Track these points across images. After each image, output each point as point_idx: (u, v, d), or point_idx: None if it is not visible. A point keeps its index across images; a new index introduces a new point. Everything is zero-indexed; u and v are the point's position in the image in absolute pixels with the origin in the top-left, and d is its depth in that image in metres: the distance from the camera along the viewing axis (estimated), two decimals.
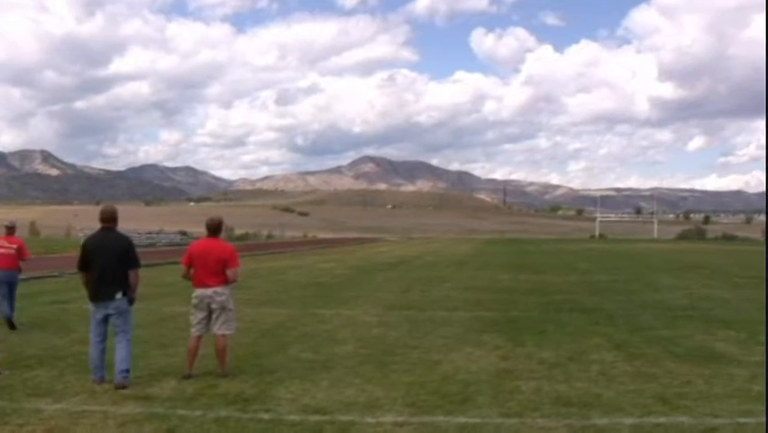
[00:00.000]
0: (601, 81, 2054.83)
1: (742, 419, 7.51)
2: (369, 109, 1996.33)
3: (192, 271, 9.73)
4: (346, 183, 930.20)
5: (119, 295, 9.31)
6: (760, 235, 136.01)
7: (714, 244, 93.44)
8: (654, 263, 40.96)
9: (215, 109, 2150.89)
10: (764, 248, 74.58)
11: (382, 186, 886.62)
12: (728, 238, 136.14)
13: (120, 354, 9.21)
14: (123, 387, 8.87)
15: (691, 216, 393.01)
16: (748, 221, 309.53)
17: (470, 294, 21.29)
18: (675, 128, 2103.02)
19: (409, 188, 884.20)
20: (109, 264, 9.28)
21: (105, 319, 9.39)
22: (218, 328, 9.62)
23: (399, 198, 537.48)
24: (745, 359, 10.90)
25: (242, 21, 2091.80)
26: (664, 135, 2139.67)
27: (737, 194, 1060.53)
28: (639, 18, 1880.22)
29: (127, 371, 9.14)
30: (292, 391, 8.75)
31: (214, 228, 9.89)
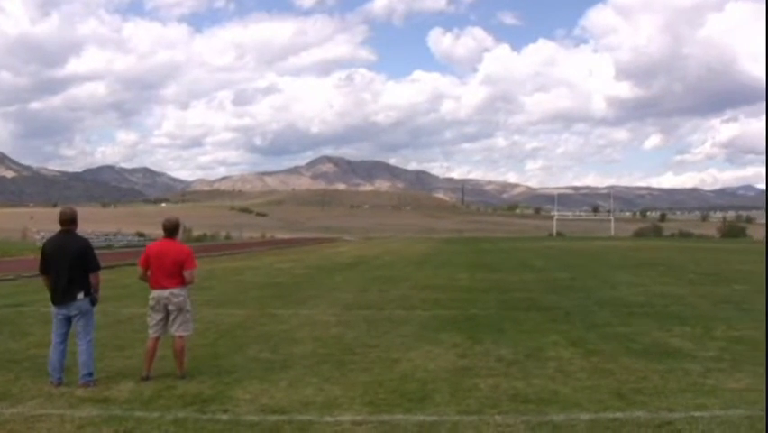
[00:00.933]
0: (559, 80, 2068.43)
1: (696, 413, 7.60)
2: (327, 109, 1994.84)
3: (149, 272, 9.67)
4: (304, 183, 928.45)
5: (80, 295, 9.24)
6: (715, 232, 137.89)
7: (670, 242, 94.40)
8: (611, 261, 41.31)
9: (173, 110, 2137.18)
10: (719, 245, 75.57)
11: (341, 186, 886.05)
12: (684, 235, 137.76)
13: (82, 357, 9.15)
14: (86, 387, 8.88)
15: (648, 213, 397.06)
16: (704, 218, 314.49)
17: (428, 293, 21.32)
18: (632, 127, 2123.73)
19: (368, 188, 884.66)
20: (69, 267, 9.20)
21: (68, 321, 9.31)
22: (176, 330, 9.57)
23: (358, 198, 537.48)
24: (699, 354, 11.03)
25: (199, 21, 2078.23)
26: (621, 134, 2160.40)
27: (693, 192, 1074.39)
28: (596, 18, 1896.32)
29: (90, 374, 9.11)
30: (250, 391, 8.73)
31: (171, 229, 9.83)
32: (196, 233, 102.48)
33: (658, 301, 18.91)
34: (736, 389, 8.74)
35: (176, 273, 9.54)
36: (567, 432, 7.01)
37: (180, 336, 9.58)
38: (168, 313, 9.57)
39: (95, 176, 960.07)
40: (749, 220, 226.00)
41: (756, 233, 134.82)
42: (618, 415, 7.56)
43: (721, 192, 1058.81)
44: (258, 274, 30.11)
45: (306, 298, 20.22)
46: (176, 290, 9.53)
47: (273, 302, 19.02)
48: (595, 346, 11.80)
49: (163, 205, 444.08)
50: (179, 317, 9.56)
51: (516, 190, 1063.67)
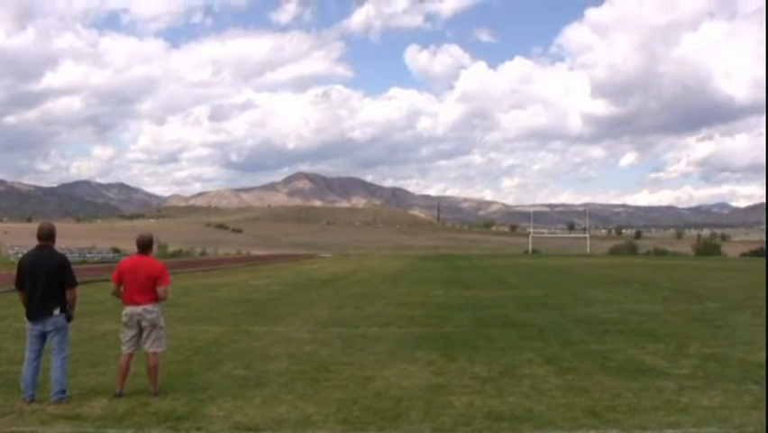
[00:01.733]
0: (535, 98, 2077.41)
1: (669, 431, 7.66)
2: (303, 125, 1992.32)
3: (122, 288, 9.64)
4: (280, 200, 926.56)
5: (56, 311, 9.20)
6: (690, 250, 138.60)
7: (645, 259, 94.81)
8: (586, 278, 41.44)
9: (149, 125, 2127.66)
10: (694, 262, 75.98)
11: (317, 202, 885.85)
12: (659, 253, 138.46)
13: (55, 373, 9.11)
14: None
15: (623, 231, 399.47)
16: (678, 236, 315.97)
17: (403, 310, 21.34)
18: (607, 144, 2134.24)
19: (344, 204, 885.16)
20: (45, 282, 9.16)
21: (43, 336, 9.25)
22: (149, 346, 9.53)
23: (334, 215, 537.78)
24: (673, 372, 11.10)
25: (175, 36, 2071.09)
26: (597, 152, 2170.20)
27: (668, 209, 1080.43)
28: (572, 36, 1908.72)
29: (63, 391, 9.06)
30: (224, 408, 8.71)
31: (145, 245, 9.81)
32: (171, 248, 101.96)
33: (632, 319, 19.00)
34: (710, 406, 8.80)
35: (149, 289, 9.51)
36: None
37: (154, 353, 9.54)
38: (141, 329, 9.54)
39: (70, 191, 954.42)
40: (724, 238, 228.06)
41: (731, 250, 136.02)
42: (592, 432, 7.61)
43: (696, 210, 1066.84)
44: (233, 291, 30.02)
45: (280, 315, 20.17)
46: (149, 306, 9.50)
47: (248, 319, 18.96)
48: (569, 364, 11.85)
49: (139, 220, 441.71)
50: (153, 334, 9.53)
51: (493, 208, 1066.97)
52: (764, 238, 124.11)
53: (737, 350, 13.33)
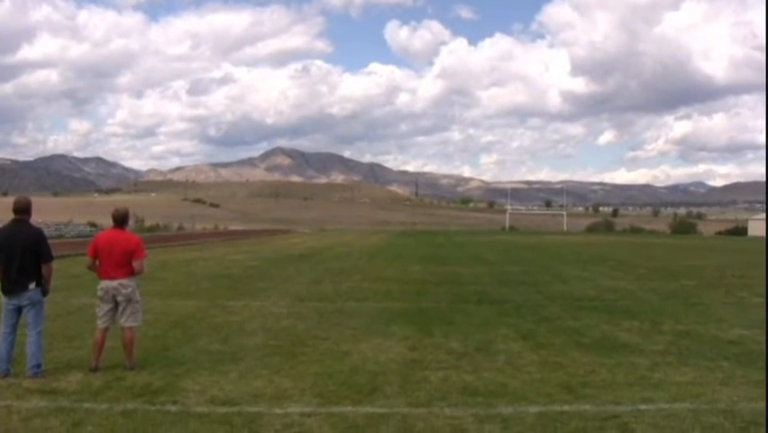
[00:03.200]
0: (514, 75, 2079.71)
1: (642, 406, 7.70)
2: (282, 100, 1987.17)
3: (97, 262, 9.59)
4: (258, 175, 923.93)
5: (32, 286, 9.15)
6: (666, 228, 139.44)
7: (621, 237, 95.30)
8: (563, 255, 41.64)
9: (126, 99, 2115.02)
10: (670, 241, 76.42)
11: (295, 178, 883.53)
12: (635, 231, 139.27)
13: (31, 348, 9.06)
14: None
15: (601, 209, 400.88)
16: (655, 214, 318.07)
17: (380, 285, 21.38)
18: (586, 122, 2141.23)
19: (322, 180, 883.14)
20: (21, 256, 9.08)
21: (18, 311, 9.20)
22: (125, 321, 9.49)
23: (312, 191, 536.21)
24: (647, 348, 11.18)
25: (154, 9, 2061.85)
26: (575, 129, 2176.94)
27: (645, 188, 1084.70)
28: (553, 13, 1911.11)
29: (38, 366, 9.01)
30: (200, 382, 8.69)
31: (120, 219, 9.75)
32: (148, 223, 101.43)
33: (608, 296, 19.13)
34: (682, 382, 8.87)
35: (125, 264, 9.46)
36: (515, 425, 7.06)
37: (129, 327, 9.51)
38: (116, 304, 9.49)
39: (46, 165, 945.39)
40: (700, 216, 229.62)
41: (707, 229, 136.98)
42: (566, 408, 7.64)
43: (673, 188, 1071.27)
44: (210, 265, 29.95)
45: (257, 289, 20.15)
46: (125, 281, 9.46)
47: (225, 293, 18.93)
48: (545, 340, 11.90)
49: (115, 195, 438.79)
50: (128, 308, 9.49)
51: (471, 184, 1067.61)
52: (762, 218, 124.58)
53: (710, 327, 13.44)
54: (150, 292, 17.03)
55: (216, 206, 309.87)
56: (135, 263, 9.53)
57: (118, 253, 9.46)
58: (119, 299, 9.47)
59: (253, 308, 16.02)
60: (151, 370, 9.33)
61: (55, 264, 9.63)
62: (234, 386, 8.54)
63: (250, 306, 16.36)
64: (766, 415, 7.15)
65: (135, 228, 71.21)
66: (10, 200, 10.31)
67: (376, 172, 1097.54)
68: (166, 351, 10.70)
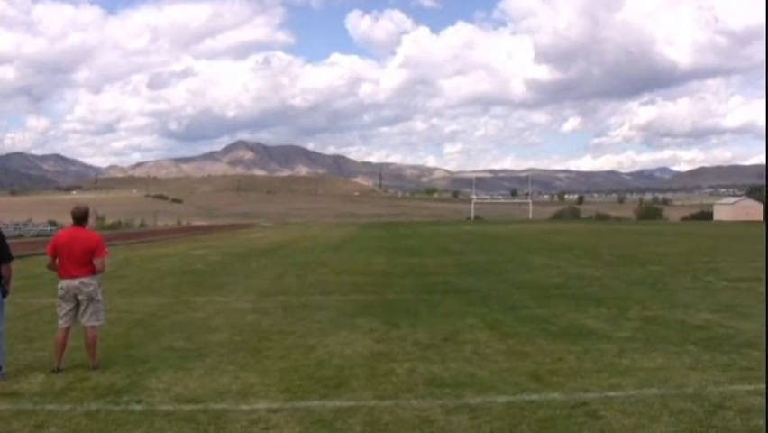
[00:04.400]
0: (477, 63, 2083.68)
1: (611, 393, 7.77)
2: (243, 93, 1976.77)
3: (57, 261, 9.50)
4: (221, 169, 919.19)
5: None
6: (632, 214, 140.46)
7: (587, 224, 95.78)
8: (529, 244, 41.87)
9: (85, 94, 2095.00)
10: (636, 227, 77.00)
11: (258, 172, 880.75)
12: (601, 218, 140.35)
13: None
14: None
15: (566, 196, 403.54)
16: (621, 200, 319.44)
17: (345, 278, 21.42)
18: (550, 110, 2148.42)
19: (285, 173, 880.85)
20: None
21: None
22: (87, 320, 9.43)
23: (275, 184, 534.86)
24: (614, 335, 11.27)
25: (112, 2, 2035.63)
26: (540, 117, 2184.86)
27: (611, 174, 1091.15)
28: (515, 0, 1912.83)
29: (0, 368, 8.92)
30: (165, 380, 8.65)
31: (80, 217, 9.67)
32: (109, 220, 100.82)
33: (574, 283, 19.28)
34: (650, 368, 8.95)
35: (86, 262, 9.39)
36: (483, 415, 7.09)
37: (92, 327, 9.44)
38: (78, 303, 9.42)
39: (4, 163, 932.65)
40: (665, 202, 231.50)
41: (672, 214, 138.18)
42: (534, 397, 7.68)
43: (638, 174, 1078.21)
44: (173, 262, 29.82)
45: (221, 285, 20.10)
46: (86, 279, 9.39)
47: (188, 290, 18.86)
48: (512, 329, 11.96)
49: (74, 193, 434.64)
50: (90, 307, 9.42)
51: (436, 174, 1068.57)
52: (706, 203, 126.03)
53: (677, 312, 13.58)
54: (113, 291, 16.93)
55: (179, 201, 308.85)
56: (96, 262, 9.46)
57: (79, 251, 9.38)
58: (81, 298, 9.40)
59: (218, 303, 15.97)
60: (115, 369, 9.26)
61: (15, 264, 9.54)
62: (200, 383, 8.51)
63: (214, 302, 16.31)
64: (766, 414, 7.19)
65: (96, 226, 70.63)
66: None
67: (340, 164, 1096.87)
68: (129, 349, 10.63)
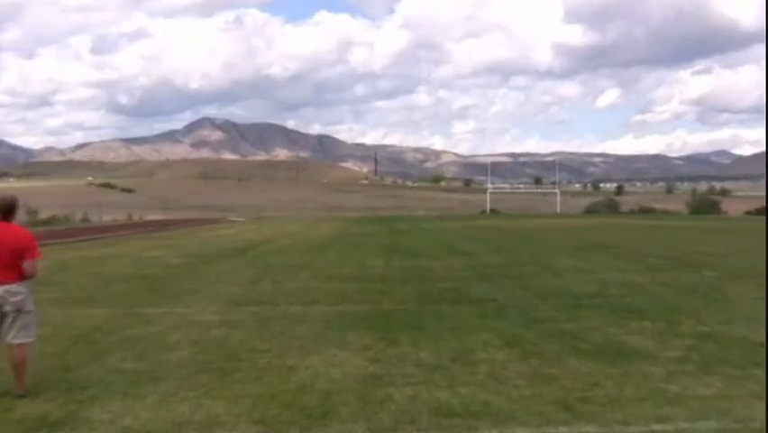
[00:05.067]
0: (494, 24, 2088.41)
1: (656, 426, 7.75)
2: (209, 60, 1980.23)
3: None
4: (182, 152, 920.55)
5: None
6: (683, 207, 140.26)
7: (628, 219, 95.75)
8: (556, 243, 41.85)
9: (14, 60, 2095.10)
10: (687, 223, 77.12)
11: (227, 155, 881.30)
12: (645, 211, 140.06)
13: None
14: None
15: (602, 185, 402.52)
16: (669, 191, 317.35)
17: (333, 284, 21.42)
18: (583, 80, 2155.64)
19: (260, 156, 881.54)
20: None
21: None
22: (14, 337, 9.37)
23: (248, 170, 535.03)
24: (660, 354, 11.26)
25: None
26: (570, 89, 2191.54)
27: (656, 159, 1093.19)
28: None
29: None
30: (110, 410, 8.63)
31: (7, 210, 9.61)
32: (44, 214, 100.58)
33: (612, 291, 19.28)
34: (706, 396, 8.92)
35: (13, 265, 9.33)
36: None
37: (20, 345, 9.39)
38: (3, 315, 9.37)
39: None
40: (724, 193, 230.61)
41: (732, 208, 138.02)
42: (563, 429, 7.67)
43: (691, 159, 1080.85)
44: (122, 265, 29.75)
45: (182, 292, 20.10)
46: (13, 287, 9.33)
47: (142, 299, 18.86)
48: (535, 347, 11.95)
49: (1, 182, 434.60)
50: (18, 321, 9.37)
51: (443, 158, 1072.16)
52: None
53: (739, 328, 13.56)
54: (47, 300, 16.87)
55: (130, 191, 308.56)
56: (26, 265, 9.41)
57: (5, 252, 9.33)
58: (7, 309, 9.35)
59: (177, 315, 15.97)
60: (49, 396, 9.23)
61: None
62: (153, 413, 8.48)
63: (172, 313, 16.30)
64: (766, 416, 7.21)
65: (27, 221, 70.61)
66: None
67: (326, 146, 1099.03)
68: (67, 372, 10.60)
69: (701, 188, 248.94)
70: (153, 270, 27.04)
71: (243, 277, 23.87)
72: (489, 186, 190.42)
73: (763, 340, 12.24)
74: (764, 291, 18.56)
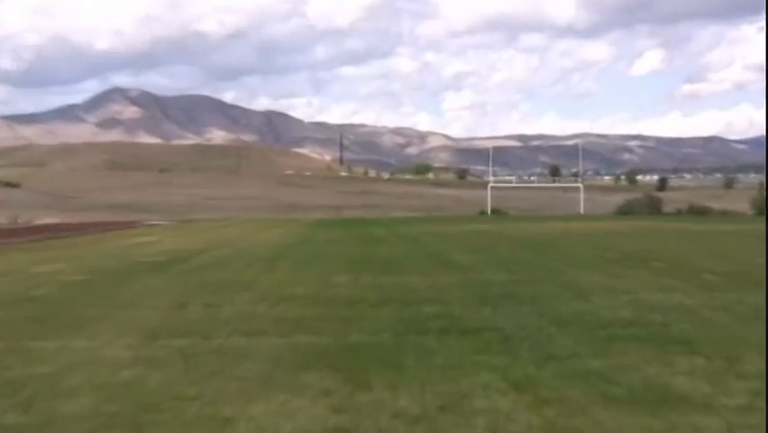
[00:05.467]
0: None
1: None
2: (120, 13, 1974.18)
3: None
4: (84, 134, 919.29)
5: None
6: (748, 206, 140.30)
7: (674, 222, 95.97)
8: (579, 254, 41.89)
9: None
10: (753, 227, 77.46)
11: (145, 138, 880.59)
12: (697, 213, 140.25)
13: None
14: None
15: (639, 178, 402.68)
16: (729, 184, 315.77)
17: (285, 308, 21.44)
18: (615, 39, 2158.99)
19: (189, 140, 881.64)
20: None
21: None
22: None
23: (173, 158, 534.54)
24: (718, 402, 11.25)
25: None
26: (598, 51, 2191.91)
27: (712, 142, 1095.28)
28: None
29: None
30: None
31: None
32: None
33: (653, 317, 19.26)
34: None
35: None
36: None
37: None
38: None
39: None
40: None
41: None
42: None
43: (757, 143, 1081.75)
44: (3, 284, 29.66)
45: (83, 320, 20.03)
46: None
47: (28, 329, 18.77)
48: (551, 391, 11.93)
49: None
50: None
51: (430, 142, 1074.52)
52: None
53: None
54: None
55: (14, 186, 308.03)
56: None
57: None
58: None
59: (76, 351, 15.93)
60: None
61: None
62: None
63: (70, 348, 16.24)
64: (766, 414, 7.20)
65: None
66: None
67: (277, 126, 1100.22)
68: None
69: None
70: (45, 290, 26.94)
71: (166, 299, 23.82)
72: (491, 179, 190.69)
73: None
74: None
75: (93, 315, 20.89)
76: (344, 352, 15.29)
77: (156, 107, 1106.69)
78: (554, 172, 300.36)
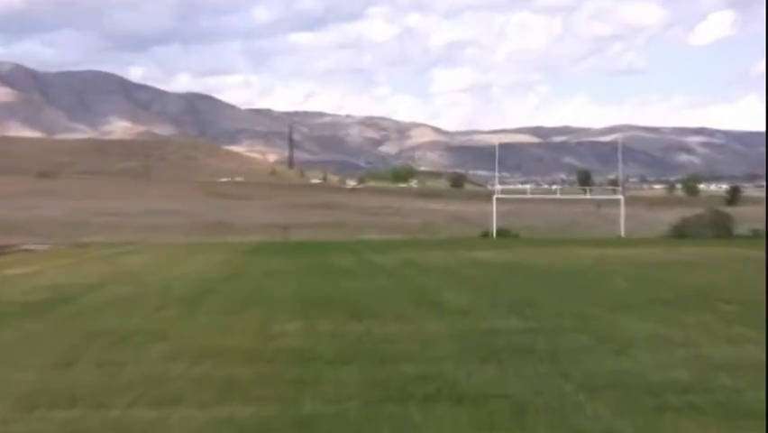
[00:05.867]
0: None
1: None
2: None
3: None
4: None
5: None
6: None
7: (748, 249, 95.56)
8: (619, 292, 41.81)
9: None
10: None
11: (19, 130, 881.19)
12: None
13: None
14: None
15: (702, 186, 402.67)
16: None
17: (210, 367, 21.37)
18: None
19: (79, 133, 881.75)
20: None
21: None
22: None
23: (58, 157, 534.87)
24: None
25: None
26: (644, 11, 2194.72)
27: None
28: None
29: None
30: None
31: None
32: None
33: (722, 380, 19.25)
34: None
35: None
36: None
37: None
38: None
39: None
40: None
41: None
42: None
43: None
44: None
45: None
46: None
47: None
48: None
49: None
50: None
51: (414, 136, 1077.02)
52: None
53: None
54: None
55: None
56: None
57: None
58: None
59: None
60: None
61: None
62: None
63: None
64: (766, 414, 7.19)
65: None
66: None
67: (202, 115, 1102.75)
68: None
69: None
70: None
71: (46, 355, 23.73)
72: (498, 187, 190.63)
73: None
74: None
75: None
76: (294, 427, 15.23)
77: (34, 88, 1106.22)
78: (584, 179, 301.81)
